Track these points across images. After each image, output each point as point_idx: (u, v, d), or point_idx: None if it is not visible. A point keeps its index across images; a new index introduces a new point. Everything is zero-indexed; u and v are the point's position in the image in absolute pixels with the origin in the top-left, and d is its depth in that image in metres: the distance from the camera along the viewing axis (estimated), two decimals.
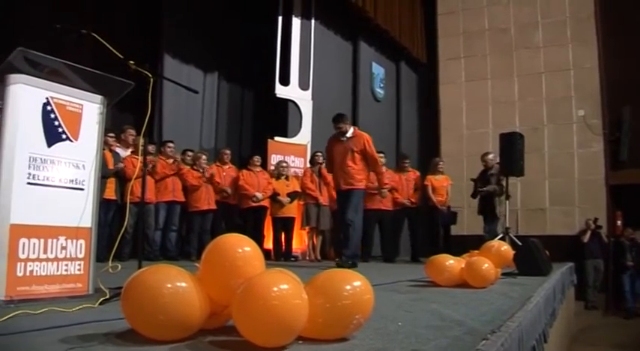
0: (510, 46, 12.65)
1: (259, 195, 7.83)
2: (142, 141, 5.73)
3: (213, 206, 7.64)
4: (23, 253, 2.51)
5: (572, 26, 12.05)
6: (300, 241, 8.72)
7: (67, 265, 2.71)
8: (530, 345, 2.71)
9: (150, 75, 3.05)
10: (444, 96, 13.34)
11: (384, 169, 7.29)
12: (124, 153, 7.00)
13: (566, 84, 11.97)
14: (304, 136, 9.55)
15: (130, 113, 7.49)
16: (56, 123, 2.70)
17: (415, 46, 13.22)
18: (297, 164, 9.27)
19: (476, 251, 4.85)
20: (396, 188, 8.59)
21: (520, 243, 6.08)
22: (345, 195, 6.02)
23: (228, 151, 8.15)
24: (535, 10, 12.49)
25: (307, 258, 8.44)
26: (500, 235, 7.01)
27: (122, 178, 6.69)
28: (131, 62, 3.00)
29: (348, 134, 6.03)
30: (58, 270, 2.66)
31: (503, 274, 4.77)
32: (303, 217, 8.34)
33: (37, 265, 2.56)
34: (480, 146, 10.67)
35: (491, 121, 12.52)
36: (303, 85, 9.72)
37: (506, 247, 4.99)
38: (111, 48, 2.93)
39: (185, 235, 7.71)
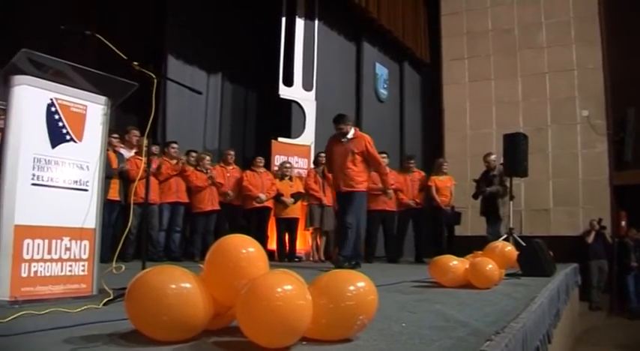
0: (514, 46, 12.63)
1: (263, 196, 7.83)
2: (145, 142, 5.74)
3: (217, 207, 7.64)
4: (27, 253, 2.52)
5: (576, 26, 12.03)
6: (303, 241, 8.72)
7: (71, 265, 2.71)
8: (534, 346, 2.70)
9: (154, 76, 3.06)
10: (448, 96, 13.33)
11: (387, 170, 7.23)
12: (127, 154, 7.00)
13: (570, 84, 11.95)
14: (308, 137, 9.56)
15: (134, 114, 7.48)
16: (60, 124, 2.70)
17: (419, 46, 13.21)
18: (301, 165, 9.27)
19: (480, 252, 4.85)
20: (401, 189, 8.57)
21: (524, 244, 6.07)
22: (345, 197, 5.93)
23: (231, 152, 8.16)
24: (539, 10, 12.47)
25: (311, 259, 8.44)
26: (504, 236, 6.99)
27: (126, 179, 6.70)
28: (135, 63, 3.01)
29: (349, 135, 5.92)
30: (62, 271, 2.67)
31: (507, 274, 4.76)
32: (307, 217, 8.34)
33: (41, 266, 2.57)
34: (483, 146, 10.67)
35: (495, 121, 12.50)
36: (307, 86, 9.73)
37: (510, 248, 4.98)
38: (115, 49, 2.93)
39: (189, 236, 7.70)
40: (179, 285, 1.79)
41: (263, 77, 9.83)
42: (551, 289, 4.24)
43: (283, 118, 9.55)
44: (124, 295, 1.83)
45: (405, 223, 8.80)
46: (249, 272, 1.83)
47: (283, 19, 9.50)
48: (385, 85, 12.37)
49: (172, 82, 3.92)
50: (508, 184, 7.63)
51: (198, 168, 7.52)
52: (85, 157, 2.82)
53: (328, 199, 8.23)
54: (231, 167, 8.03)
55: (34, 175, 2.57)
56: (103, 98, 2.92)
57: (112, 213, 6.45)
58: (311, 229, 8.40)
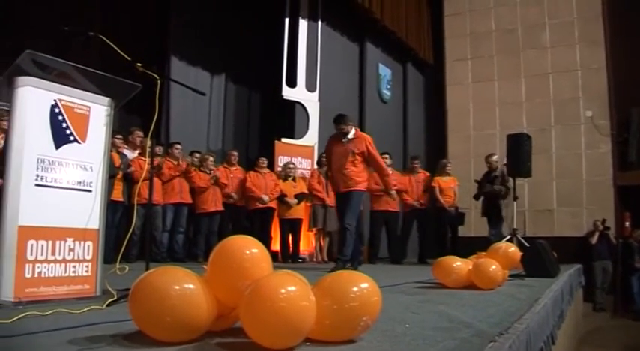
0: (517, 46, 12.60)
1: (265, 198, 7.83)
2: (149, 143, 5.75)
3: (221, 208, 7.66)
4: (31, 254, 2.53)
5: (579, 27, 12.00)
6: (307, 242, 8.72)
7: (74, 266, 2.72)
8: (538, 347, 2.69)
9: (157, 77, 3.06)
10: (451, 97, 13.31)
11: (390, 170, 7.20)
12: (131, 155, 7.02)
13: (573, 85, 11.92)
14: (311, 138, 9.55)
15: (138, 115, 7.50)
16: (64, 125, 2.71)
17: (422, 47, 13.19)
18: (304, 166, 9.27)
19: (483, 253, 4.84)
20: (405, 190, 8.55)
21: (527, 244, 6.06)
22: (344, 197, 5.80)
23: (235, 153, 8.16)
24: (542, 10, 12.44)
25: (314, 259, 8.44)
26: (508, 237, 6.98)
27: (129, 180, 6.71)
28: (138, 64, 3.01)
29: (350, 136, 5.78)
30: (65, 271, 2.68)
31: (510, 275, 4.75)
32: (311, 218, 8.34)
33: (45, 267, 2.58)
34: (487, 147, 10.65)
35: (499, 122, 12.47)
36: (310, 87, 9.73)
37: (513, 249, 4.98)
38: (118, 50, 2.94)
39: (192, 237, 7.72)
40: (182, 286, 1.79)
41: (266, 78, 9.83)
42: (554, 290, 4.23)
43: (286, 119, 9.55)
44: (128, 296, 1.83)
45: (409, 224, 8.77)
46: (252, 273, 1.83)
47: (286, 20, 9.50)
48: (388, 86, 12.36)
49: (176, 83, 3.91)
50: (510, 185, 7.62)
51: (202, 169, 7.54)
52: (88, 158, 2.83)
53: (331, 199, 8.18)
54: (234, 168, 8.03)
55: (37, 176, 2.58)
56: (106, 99, 2.93)
57: (116, 214, 6.47)
58: (314, 229, 8.40)
